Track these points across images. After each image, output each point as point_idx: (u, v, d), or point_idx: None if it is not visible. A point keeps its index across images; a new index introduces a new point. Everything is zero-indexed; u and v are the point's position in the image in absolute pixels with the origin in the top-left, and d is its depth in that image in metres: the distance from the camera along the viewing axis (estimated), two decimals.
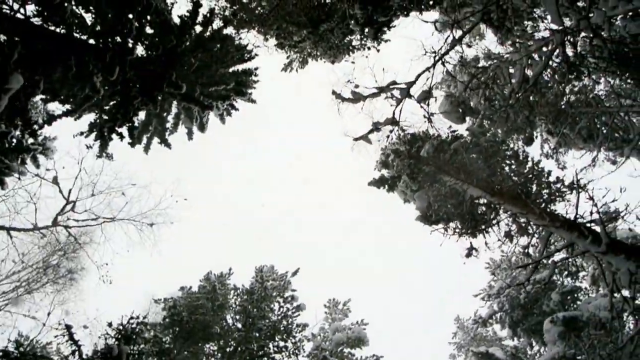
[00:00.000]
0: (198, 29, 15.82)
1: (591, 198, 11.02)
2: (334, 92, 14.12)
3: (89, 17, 13.96)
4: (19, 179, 17.47)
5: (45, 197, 21.22)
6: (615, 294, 11.53)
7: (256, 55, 17.38)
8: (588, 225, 12.23)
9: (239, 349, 18.61)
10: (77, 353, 14.14)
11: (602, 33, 12.73)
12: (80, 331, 18.59)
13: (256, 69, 17.99)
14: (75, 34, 13.56)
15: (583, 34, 13.15)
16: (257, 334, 18.90)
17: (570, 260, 14.86)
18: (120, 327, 15.03)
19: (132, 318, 15.37)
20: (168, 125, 16.94)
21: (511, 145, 18.68)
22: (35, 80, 11.22)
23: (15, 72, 10.17)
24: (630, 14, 11.40)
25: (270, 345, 18.94)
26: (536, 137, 19.86)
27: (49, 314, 20.47)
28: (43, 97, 14.75)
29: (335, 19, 16.25)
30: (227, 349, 18.75)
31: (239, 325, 19.39)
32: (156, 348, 17.42)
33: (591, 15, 11.40)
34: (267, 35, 17.74)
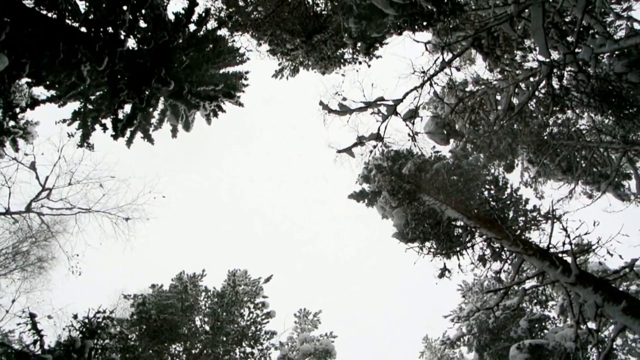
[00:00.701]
0: (192, 27, 15.81)
1: (564, 229, 11.19)
2: (321, 103, 14.19)
3: (82, 5, 13.88)
4: None
5: (20, 182, 20.80)
6: (582, 326, 11.69)
7: (248, 59, 17.39)
8: (560, 255, 12.40)
9: (205, 351, 18.42)
10: (39, 343, 13.87)
11: (588, 69, 13.03)
12: (44, 321, 18.28)
13: (247, 72, 18.03)
14: (67, 21, 13.45)
15: (569, 68, 13.43)
16: (225, 338, 18.73)
17: (540, 288, 15.04)
18: (86, 320, 14.79)
19: (98, 312, 15.15)
20: (153, 120, 16.83)
21: (492, 171, 18.94)
22: (21, 62, 11.09)
23: (1, 53, 10.05)
24: (616, 53, 11.68)
25: (237, 351, 18.78)
26: (517, 165, 20.17)
27: (13, 300, 20.04)
28: (28, 80, 14.57)
29: (330, 30, 16.36)
30: (193, 351, 18.54)
31: (207, 328, 19.20)
32: (121, 344, 17.16)
33: (578, 50, 11.67)
34: (261, 40, 17.78)
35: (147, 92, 15.93)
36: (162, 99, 16.56)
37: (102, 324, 15.02)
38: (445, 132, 17.26)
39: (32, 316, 14.03)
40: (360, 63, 16.87)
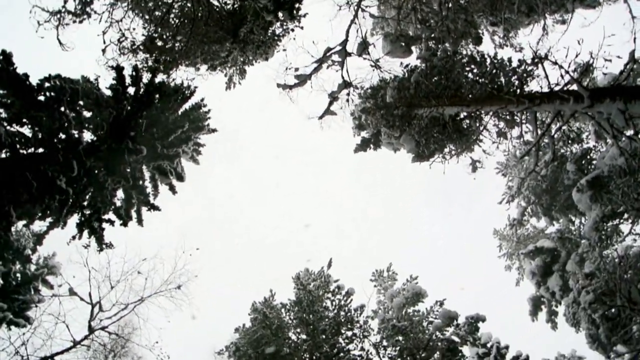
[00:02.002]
0: (132, 90, 15.76)
1: (555, 63, 11.04)
2: (278, 85, 14.08)
3: (26, 130, 13.90)
4: (37, 306, 17.49)
5: (70, 311, 21.15)
6: (621, 138, 11.60)
7: (196, 88, 17.32)
8: (565, 89, 12.24)
9: (314, 357, 18.72)
10: None
11: None
12: None
13: (202, 100, 17.96)
14: (21, 151, 13.51)
15: None
16: (324, 336, 18.99)
17: (564, 128, 14.89)
18: None
19: None
20: (149, 190, 16.91)
21: (464, 52, 18.63)
22: (5, 211, 11.22)
23: None
24: None
25: (340, 339, 19.04)
26: (483, 34, 19.81)
27: None
28: (23, 222, 14.71)
29: (250, 18, 16.17)
30: None
31: (304, 337, 19.48)
32: None
33: None
34: (196, 64, 17.67)
35: (128, 170, 15.98)
36: (144, 168, 16.62)
37: None
38: (402, 44, 17.01)
39: None
40: (292, 30, 16.68)
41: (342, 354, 18.80)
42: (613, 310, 17.44)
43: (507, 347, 18.71)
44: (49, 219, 14.98)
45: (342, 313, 19.66)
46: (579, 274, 18.83)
